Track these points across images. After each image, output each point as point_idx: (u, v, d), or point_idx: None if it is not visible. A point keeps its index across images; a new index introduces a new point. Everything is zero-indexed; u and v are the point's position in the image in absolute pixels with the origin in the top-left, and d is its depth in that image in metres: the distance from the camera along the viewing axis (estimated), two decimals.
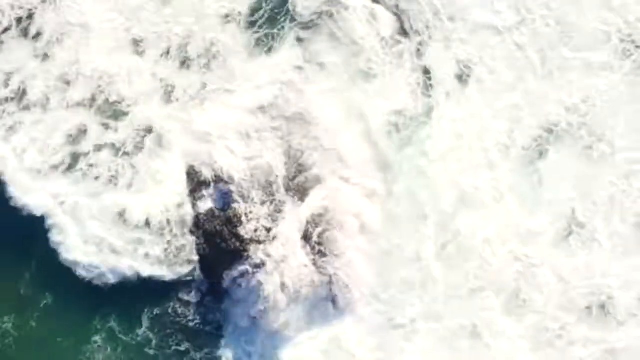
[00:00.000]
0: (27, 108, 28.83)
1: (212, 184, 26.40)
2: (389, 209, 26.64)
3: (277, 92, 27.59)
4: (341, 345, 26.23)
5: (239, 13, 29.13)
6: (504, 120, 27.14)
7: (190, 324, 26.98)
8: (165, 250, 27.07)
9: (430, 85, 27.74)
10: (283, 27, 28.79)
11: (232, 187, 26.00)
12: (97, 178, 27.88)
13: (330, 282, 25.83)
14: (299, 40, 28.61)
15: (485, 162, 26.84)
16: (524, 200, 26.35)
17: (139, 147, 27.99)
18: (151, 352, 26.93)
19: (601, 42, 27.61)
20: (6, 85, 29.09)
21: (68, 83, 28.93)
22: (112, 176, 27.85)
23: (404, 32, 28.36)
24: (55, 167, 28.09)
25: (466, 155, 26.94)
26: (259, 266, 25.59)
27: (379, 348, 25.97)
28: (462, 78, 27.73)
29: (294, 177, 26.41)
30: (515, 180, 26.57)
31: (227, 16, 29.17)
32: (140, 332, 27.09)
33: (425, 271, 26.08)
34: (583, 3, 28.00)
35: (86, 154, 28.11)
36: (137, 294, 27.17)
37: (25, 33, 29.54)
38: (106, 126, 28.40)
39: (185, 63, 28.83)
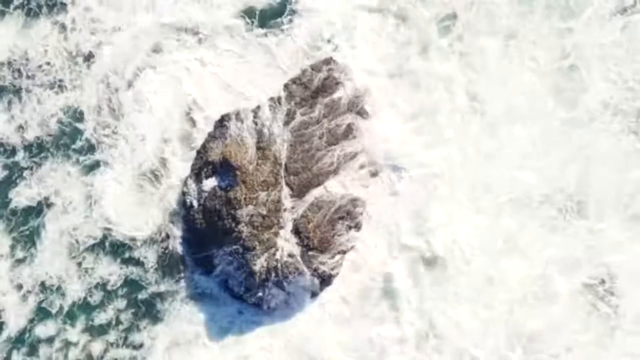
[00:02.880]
0: None
1: (219, 165, 27.57)
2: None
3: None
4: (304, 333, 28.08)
5: None
6: None
7: (179, 290, 28.84)
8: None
9: None
10: None
11: (238, 172, 27.15)
12: None
13: (312, 275, 27.29)
14: None
15: None
16: None
17: None
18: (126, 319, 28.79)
19: None
20: None
21: None
22: None
23: None
24: None
25: None
26: (249, 248, 26.91)
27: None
28: None
29: (297, 173, 27.50)
30: None
31: None
32: (118, 299, 28.96)
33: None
34: None
35: None
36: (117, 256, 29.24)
37: None
38: None
39: None
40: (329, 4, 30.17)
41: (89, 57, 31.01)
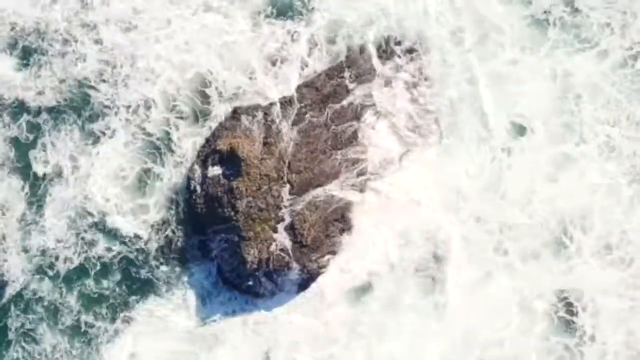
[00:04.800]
0: None
1: (226, 155, 28.55)
2: None
3: None
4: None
5: None
6: None
7: (172, 269, 29.89)
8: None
9: None
10: None
11: (243, 163, 28.13)
12: None
13: (301, 271, 28.34)
14: None
15: None
16: None
17: None
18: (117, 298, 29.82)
19: None
20: None
21: None
22: None
23: None
24: None
25: None
26: (244, 238, 27.98)
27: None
28: None
29: (299, 172, 28.45)
30: None
31: None
32: (112, 274, 29.95)
33: None
34: None
35: None
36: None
37: None
38: None
39: None
40: None
41: (95, 28, 32.04)
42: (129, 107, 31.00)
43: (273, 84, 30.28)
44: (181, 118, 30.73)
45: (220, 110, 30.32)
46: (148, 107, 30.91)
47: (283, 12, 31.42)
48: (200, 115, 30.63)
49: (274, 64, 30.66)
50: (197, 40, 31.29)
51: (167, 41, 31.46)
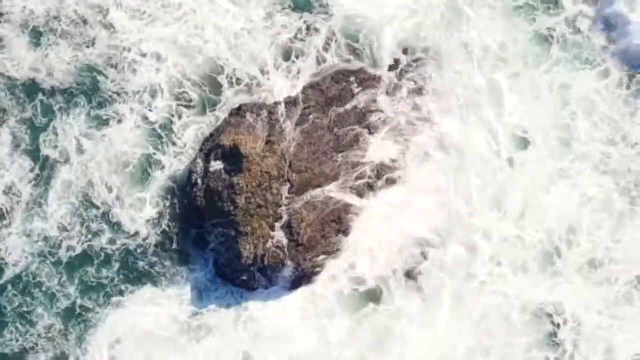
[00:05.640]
0: None
1: (229, 151, 28.95)
2: None
3: None
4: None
5: None
6: None
7: (170, 259, 30.42)
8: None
9: None
10: None
11: (245, 160, 28.58)
12: None
13: (295, 269, 28.90)
14: None
15: None
16: None
17: None
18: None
19: None
20: None
21: None
22: None
23: None
24: None
25: None
26: (242, 233, 28.53)
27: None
28: None
29: (300, 172, 28.98)
30: None
31: None
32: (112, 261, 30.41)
33: None
34: None
35: None
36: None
37: None
38: None
39: None
40: None
41: (106, 14, 32.38)
42: (136, 93, 31.42)
43: (283, 79, 30.79)
44: (188, 106, 31.20)
45: (230, 97, 30.83)
46: (154, 94, 31.39)
47: (300, 4, 31.75)
48: (208, 105, 31.06)
49: (287, 58, 31.17)
50: (209, 26, 31.66)
51: (177, 25, 31.84)
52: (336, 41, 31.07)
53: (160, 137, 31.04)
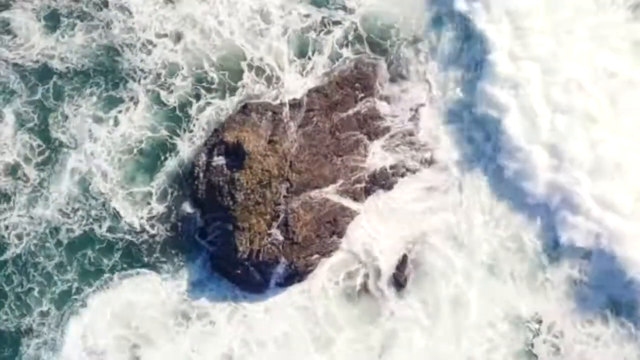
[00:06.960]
0: None
1: (232, 147, 29.71)
2: None
3: None
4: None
5: None
6: None
7: (167, 249, 31.03)
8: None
9: None
10: None
11: (247, 157, 29.30)
12: None
13: (288, 267, 29.47)
14: None
15: None
16: None
17: None
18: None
19: None
20: None
21: None
22: None
23: None
24: None
25: None
26: (239, 228, 29.13)
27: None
28: None
29: (300, 172, 29.60)
30: None
31: None
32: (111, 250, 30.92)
33: None
34: None
35: None
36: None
37: None
38: None
39: None
40: None
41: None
42: (149, 74, 32.10)
43: (295, 75, 31.64)
44: (208, 89, 31.90)
45: (248, 83, 31.61)
46: (171, 75, 32.07)
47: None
48: (228, 89, 31.77)
49: (303, 54, 31.99)
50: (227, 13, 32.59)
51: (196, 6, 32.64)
52: (356, 36, 31.87)
53: (176, 120, 31.67)
